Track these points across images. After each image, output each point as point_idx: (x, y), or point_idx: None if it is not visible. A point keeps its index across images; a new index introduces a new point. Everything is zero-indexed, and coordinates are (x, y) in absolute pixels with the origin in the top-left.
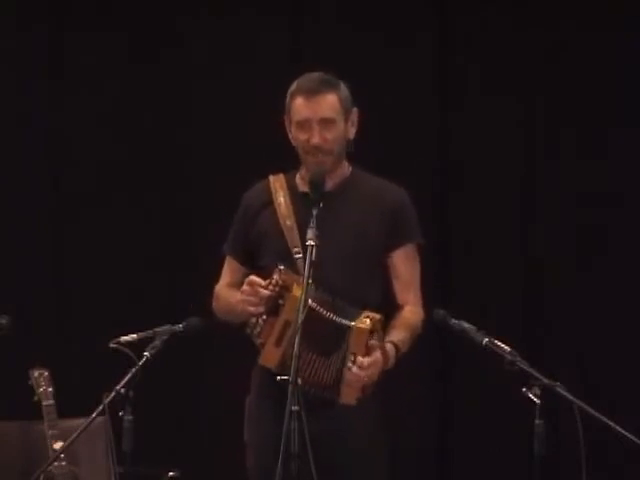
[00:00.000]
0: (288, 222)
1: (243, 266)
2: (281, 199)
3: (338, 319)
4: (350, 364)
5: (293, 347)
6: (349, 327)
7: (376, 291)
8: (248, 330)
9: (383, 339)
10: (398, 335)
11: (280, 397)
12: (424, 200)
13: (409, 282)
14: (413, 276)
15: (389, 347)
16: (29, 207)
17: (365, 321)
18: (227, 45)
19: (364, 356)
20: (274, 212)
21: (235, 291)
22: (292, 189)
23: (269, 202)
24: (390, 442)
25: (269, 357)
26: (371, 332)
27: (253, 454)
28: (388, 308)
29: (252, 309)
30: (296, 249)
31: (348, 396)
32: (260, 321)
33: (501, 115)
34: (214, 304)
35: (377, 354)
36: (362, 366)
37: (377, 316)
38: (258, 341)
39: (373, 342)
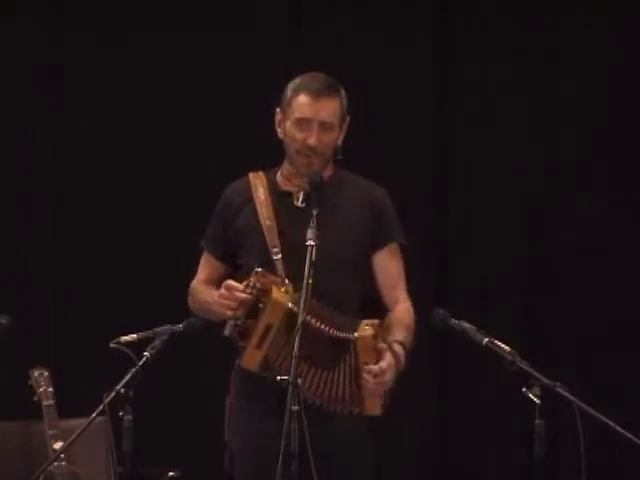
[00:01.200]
0: (268, 222)
1: (220, 263)
2: (261, 197)
3: (338, 333)
4: (365, 374)
5: (275, 350)
6: (352, 340)
7: (362, 289)
8: (226, 332)
9: (387, 341)
10: (401, 334)
11: (265, 397)
12: (424, 200)
13: (397, 280)
14: (400, 274)
15: (397, 347)
16: (29, 208)
17: (366, 329)
18: (227, 47)
19: (377, 362)
20: (254, 210)
21: (211, 289)
22: (272, 187)
23: (249, 199)
24: (390, 442)
25: (250, 360)
26: (374, 337)
27: (239, 455)
28: (371, 306)
29: (229, 313)
30: (275, 249)
31: (373, 407)
32: (239, 323)
33: (501, 115)
34: (189, 300)
35: (388, 355)
36: (379, 372)
37: (375, 321)
38: (240, 344)
39: (381, 345)
